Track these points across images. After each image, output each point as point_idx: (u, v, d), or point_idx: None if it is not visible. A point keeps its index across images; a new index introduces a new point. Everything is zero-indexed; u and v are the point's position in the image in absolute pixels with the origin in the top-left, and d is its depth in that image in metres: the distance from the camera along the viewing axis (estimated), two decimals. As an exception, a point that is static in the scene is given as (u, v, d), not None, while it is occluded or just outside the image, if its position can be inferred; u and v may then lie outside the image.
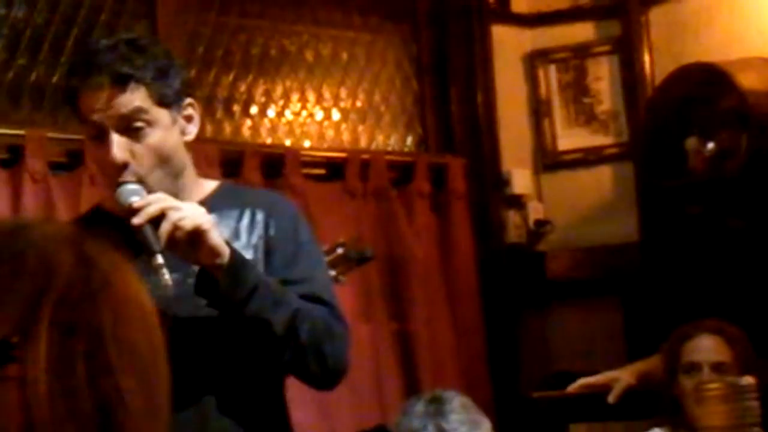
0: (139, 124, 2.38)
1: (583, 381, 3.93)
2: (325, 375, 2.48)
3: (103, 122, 2.37)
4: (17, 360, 0.99)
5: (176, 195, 2.42)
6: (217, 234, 2.33)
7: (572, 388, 3.93)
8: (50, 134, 3.99)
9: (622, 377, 3.86)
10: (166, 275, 2.23)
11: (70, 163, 4.03)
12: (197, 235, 2.30)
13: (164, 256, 2.29)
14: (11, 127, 3.97)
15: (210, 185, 2.58)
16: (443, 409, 2.92)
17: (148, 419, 1.04)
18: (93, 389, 1.01)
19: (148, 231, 2.28)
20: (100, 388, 1.01)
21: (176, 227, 2.28)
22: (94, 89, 2.37)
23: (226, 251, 2.33)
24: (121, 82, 2.37)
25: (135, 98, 2.38)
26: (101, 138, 2.39)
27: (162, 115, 2.41)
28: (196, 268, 2.38)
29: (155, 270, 2.23)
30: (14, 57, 4.08)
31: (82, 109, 2.40)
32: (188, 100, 2.51)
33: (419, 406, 2.95)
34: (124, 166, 2.36)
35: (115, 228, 2.31)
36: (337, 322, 2.49)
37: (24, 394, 0.98)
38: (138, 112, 2.38)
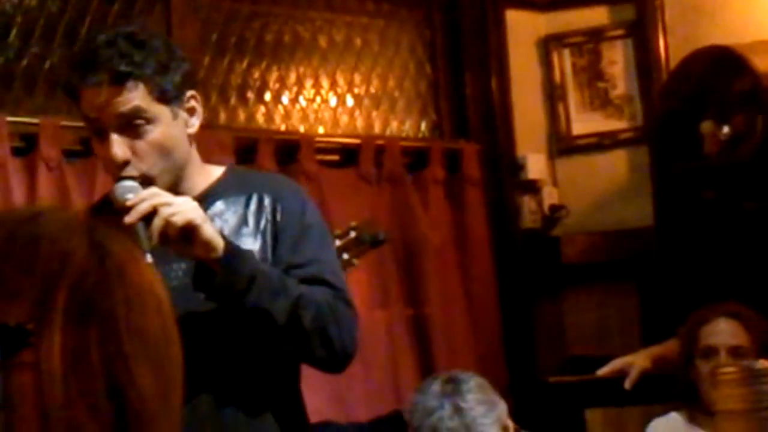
0: (138, 122, 2.37)
1: (599, 372, 3.93)
2: (333, 358, 2.47)
3: (102, 121, 2.37)
4: (33, 346, 0.99)
5: (180, 186, 2.43)
6: (211, 227, 2.32)
7: (602, 372, 3.90)
8: (64, 122, 3.99)
9: (637, 362, 3.85)
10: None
11: (84, 150, 4.03)
12: (190, 230, 2.29)
13: (165, 251, 2.30)
14: (25, 116, 3.98)
15: (217, 171, 2.57)
16: (460, 389, 2.91)
17: (162, 405, 1.04)
18: (107, 376, 1.01)
19: (140, 229, 2.28)
20: (114, 374, 1.01)
21: (168, 223, 2.28)
22: (92, 87, 2.36)
23: (220, 244, 2.32)
24: (120, 81, 2.35)
25: (134, 96, 2.36)
26: (102, 135, 2.39)
27: (162, 111, 2.40)
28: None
29: None
30: (28, 45, 4.08)
31: (82, 106, 2.40)
32: (190, 92, 2.48)
33: (435, 386, 2.94)
34: (125, 164, 2.37)
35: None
36: (343, 305, 2.48)
37: (39, 380, 0.99)
38: (137, 110, 2.37)
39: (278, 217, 2.50)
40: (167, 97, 2.40)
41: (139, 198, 2.31)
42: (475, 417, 2.86)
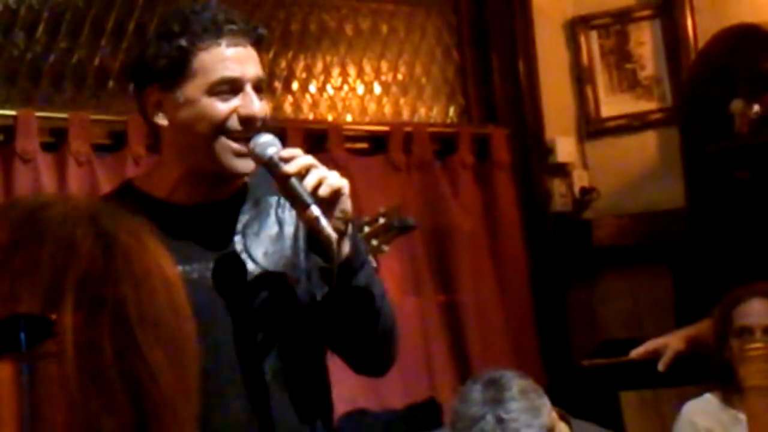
0: (263, 87, 2.40)
1: (633, 354, 3.91)
2: (390, 361, 2.48)
3: (244, 77, 2.35)
4: (57, 335, 0.99)
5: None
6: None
7: (636, 353, 3.89)
8: (93, 116, 4.00)
9: (671, 343, 3.84)
10: (327, 227, 2.21)
11: (113, 144, 4.05)
12: (337, 196, 2.27)
13: (190, 248, 2.30)
14: (54, 111, 3.99)
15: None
16: (502, 396, 2.84)
17: (179, 388, 1.04)
18: (121, 365, 1.01)
19: (297, 182, 2.26)
20: (128, 363, 1.01)
21: (321, 182, 2.26)
22: (238, 42, 2.36)
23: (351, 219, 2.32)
24: (259, 44, 2.40)
25: (262, 63, 2.41)
26: (224, 93, 2.35)
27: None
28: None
29: (312, 222, 2.22)
30: (55, 40, 4.09)
31: (215, 61, 2.36)
32: None
33: (476, 392, 2.86)
34: (257, 120, 2.35)
35: (145, 205, 2.31)
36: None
37: (62, 369, 0.99)
38: (264, 77, 2.41)
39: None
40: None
41: (293, 152, 2.31)
42: (519, 428, 2.81)
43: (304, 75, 4.65)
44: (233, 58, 2.36)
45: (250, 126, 2.35)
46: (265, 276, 2.39)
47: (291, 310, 2.41)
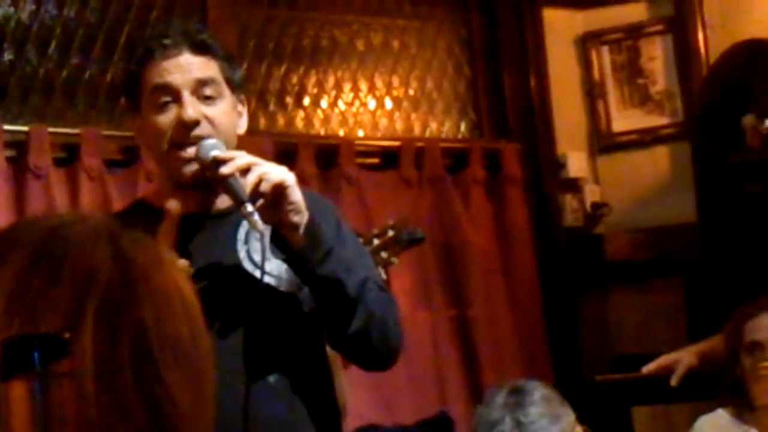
0: (210, 92, 2.42)
1: (645, 369, 3.90)
2: (385, 350, 2.46)
3: (177, 84, 2.39)
4: (70, 355, 0.99)
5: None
6: (299, 191, 2.34)
7: (648, 369, 3.88)
8: (105, 132, 4.02)
9: (684, 359, 3.83)
10: (259, 222, 2.26)
11: (125, 160, 4.06)
12: (281, 191, 2.30)
13: (199, 258, 2.33)
14: (67, 126, 4.00)
15: None
16: (523, 401, 2.85)
17: (195, 407, 1.04)
18: (140, 387, 1.01)
19: (235, 181, 2.30)
20: (147, 385, 1.01)
21: (261, 180, 2.29)
22: (171, 53, 2.41)
23: (305, 210, 2.34)
24: (200, 49, 2.43)
25: (211, 67, 2.43)
26: (166, 105, 2.40)
27: (228, 94, 2.45)
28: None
29: (247, 218, 2.27)
30: (68, 56, 4.10)
31: (152, 75, 2.42)
32: (242, 96, 2.54)
33: (500, 397, 2.89)
34: (196, 124, 2.38)
35: (157, 220, 2.32)
36: (394, 300, 2.49)
37: (78, 392, 0.99)
38: (212, 80, 2.42)
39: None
40: (232, 86, 2.47)
41: (231, 153, 2.35)
42: (536, 431, 2.83)
43: (315, 90, 4.66)
44: (164, 67, 2.40)
45: (185, 132, 2.38)
46: (272, 285, 2.40)
47: (298, 316, 2.43)
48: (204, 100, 2.41)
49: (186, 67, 2.40)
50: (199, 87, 2.40)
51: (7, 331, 1.00)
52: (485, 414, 2.89)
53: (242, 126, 2.52)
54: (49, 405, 0.98)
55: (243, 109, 2.53)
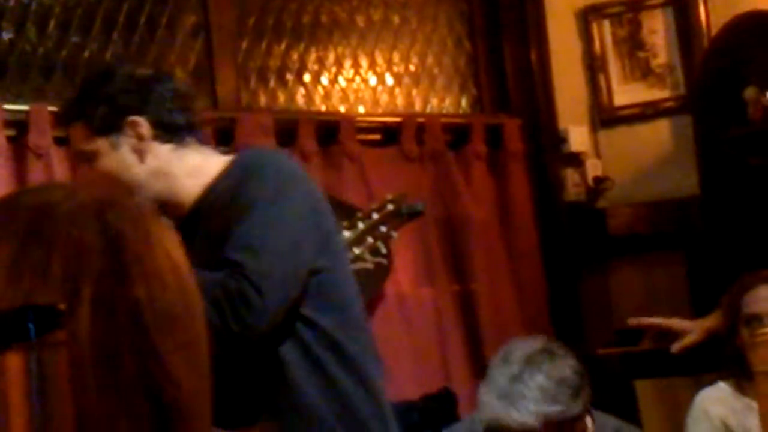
0: (86, 158, 2.60)
1: (652, 319, 3.90)
2: (241, 325, 2.39)
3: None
4: (65, 326, 1.00)
5: (173, 197, 2.56)
6: None
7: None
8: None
9: (694, 332, 3.81)
10: None
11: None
12: None
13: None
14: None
15: (218, 165, 2.59)
16: (539, 366, 2.80)
17: (196, 388, 1.05)
18: (138, 368, 1.01)
19: None
20: (146, 367, 1.02)
21: None
22: (67, 129, 2.70)
23: None
24: (66, 122, 2.66)
25: (77, 135, 2.61)
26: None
27: (100, 143, 2.57)
28: None
29: None
30: (67, 35, 4.10)
31: None
32: (130, 118, 2.57)
33: (524, 349, 2.86)
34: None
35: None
36: (232, 281, 2.38)
37: (73, 361, 0.99)
38: (80, 150, 2.62)
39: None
40: (100, 130, 2.58)
41: None
42: (526, 401, 2.78)
43: (316, 67, 4.65)
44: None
45: None
46: None
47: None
48: (89, 164, 2.60)
49: (73, 140, 2.63)
50: (80, 156, 2.64)
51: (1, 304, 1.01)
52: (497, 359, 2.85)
53: (149, 147, 2.59)
54: (45, 375, 0.99)
55: (141, 130, 2.58)
